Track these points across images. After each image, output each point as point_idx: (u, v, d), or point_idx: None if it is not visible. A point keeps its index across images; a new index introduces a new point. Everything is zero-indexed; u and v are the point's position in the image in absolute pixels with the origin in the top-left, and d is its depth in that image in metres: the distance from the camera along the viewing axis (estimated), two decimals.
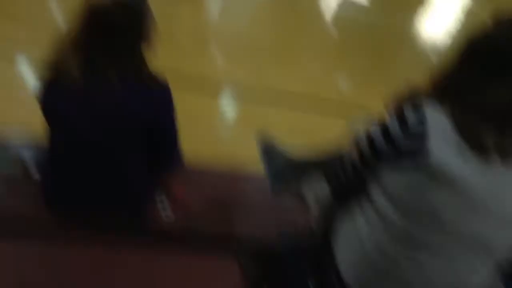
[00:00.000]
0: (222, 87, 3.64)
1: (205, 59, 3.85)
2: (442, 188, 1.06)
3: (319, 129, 3.36)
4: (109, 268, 1.36)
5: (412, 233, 1.14)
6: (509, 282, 1.62)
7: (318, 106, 3.75)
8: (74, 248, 1.39)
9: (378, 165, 1.18)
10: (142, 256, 1.43)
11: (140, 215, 1.57)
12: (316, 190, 2.13)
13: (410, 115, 1.10)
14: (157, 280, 1.36)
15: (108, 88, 1.29)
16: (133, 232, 1.53)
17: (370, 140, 1.18)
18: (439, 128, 1.07)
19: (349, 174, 1.30)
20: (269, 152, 1.82)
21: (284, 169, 1.77)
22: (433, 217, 1.10)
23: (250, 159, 2.52)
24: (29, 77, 3.01)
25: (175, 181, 1.64)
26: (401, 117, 1.11)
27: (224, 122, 3.43)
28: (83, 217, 1.45)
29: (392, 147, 1.12)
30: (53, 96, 1.32)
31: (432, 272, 1.18)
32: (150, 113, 1.34)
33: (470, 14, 5.58)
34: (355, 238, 1.25)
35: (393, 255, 1.17)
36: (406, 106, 1.13)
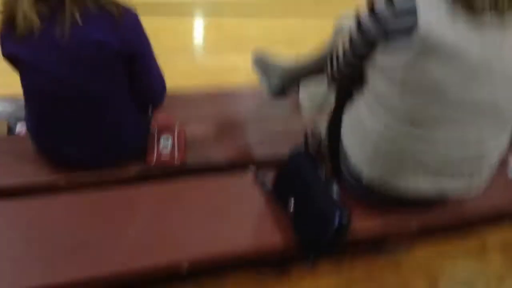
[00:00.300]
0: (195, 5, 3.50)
1: None
2: (438, 59, 1.02)
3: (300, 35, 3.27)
4: (128, 204, 1.36)
5: (418, 112, 1.12)
6: None
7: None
8: (85, 192, 1.39)
9: (372, 51, 1.14)
10: (159, 186, 1.43)
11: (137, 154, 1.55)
12: (314, 94, 2.12)
13: None
14: (181, 203, 1.37)
15: (70, 24, 1.20)
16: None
17: (360, 28, 1.14)
18: (427, 1, 1.02)
19: (345, 67, 1.26)
20: (262, 62, 1.79)
21: (279, 76, 1.74)
22: (435, 90, 1.07)
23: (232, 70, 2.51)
24: None
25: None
26: None
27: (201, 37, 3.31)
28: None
29: (381, 29, 1.08)
30: (11, 42, 1.23)
31: (446, 147, 1.17)
32: (121, 40, 1.25)
33: None
34: (362, 132, 1.23)
35: (403, 139, 1.16)
36: None
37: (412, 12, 1.02)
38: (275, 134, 1.85)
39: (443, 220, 1.40)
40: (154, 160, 1.55)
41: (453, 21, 1.00)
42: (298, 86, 2.19)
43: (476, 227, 1.51)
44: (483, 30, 1.01)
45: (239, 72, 2.62)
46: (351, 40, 1.17)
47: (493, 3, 1.00)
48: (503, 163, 1.40)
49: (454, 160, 1.19)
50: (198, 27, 3.46)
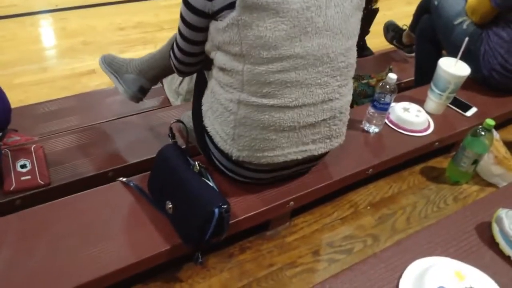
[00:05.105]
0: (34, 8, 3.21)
1: None
2: (263, 17, 1.05)
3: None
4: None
5: (265, 80, 1.13)
6: None
7: None
8: None
9: (203, 31, 1.18)
10: (23, 215, 1.29)
11: None
12: (171, 81, 2.08)
13: None
14: (51, 230, 1.24)
15: None
16: None
17: (183, 18, 1.18)
18: None
19: (187, 49, 1.27)
20: (112, 63, 1.70)
21: (134, 71, 1.68)
22: (270, 48, 1.09)
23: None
24: None
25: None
26: None
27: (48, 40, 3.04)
28: None
29: (201, 16, 1.13)
30: None
31: (300, 114, 1.20)
32: None
33: None
34: (221, 109, 1.23)
35: (257, 112, 1.17)
36: None
37: None
38: (145, 134, 1.79)
39: (316, 192, 1.47)
40: (13, 185, 1.41)
41: None
42: (161, 81, 2.14)
43: (347, 191, 1.61)
44: None
45: (97, 74, 2.46)
46: (182, 15, 1.18)
47: None
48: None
49: (311, 125, 1.23)
50: (42, 29, 3.17)
